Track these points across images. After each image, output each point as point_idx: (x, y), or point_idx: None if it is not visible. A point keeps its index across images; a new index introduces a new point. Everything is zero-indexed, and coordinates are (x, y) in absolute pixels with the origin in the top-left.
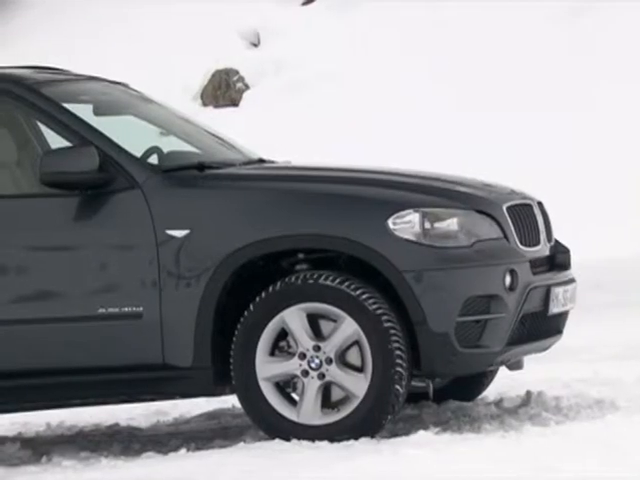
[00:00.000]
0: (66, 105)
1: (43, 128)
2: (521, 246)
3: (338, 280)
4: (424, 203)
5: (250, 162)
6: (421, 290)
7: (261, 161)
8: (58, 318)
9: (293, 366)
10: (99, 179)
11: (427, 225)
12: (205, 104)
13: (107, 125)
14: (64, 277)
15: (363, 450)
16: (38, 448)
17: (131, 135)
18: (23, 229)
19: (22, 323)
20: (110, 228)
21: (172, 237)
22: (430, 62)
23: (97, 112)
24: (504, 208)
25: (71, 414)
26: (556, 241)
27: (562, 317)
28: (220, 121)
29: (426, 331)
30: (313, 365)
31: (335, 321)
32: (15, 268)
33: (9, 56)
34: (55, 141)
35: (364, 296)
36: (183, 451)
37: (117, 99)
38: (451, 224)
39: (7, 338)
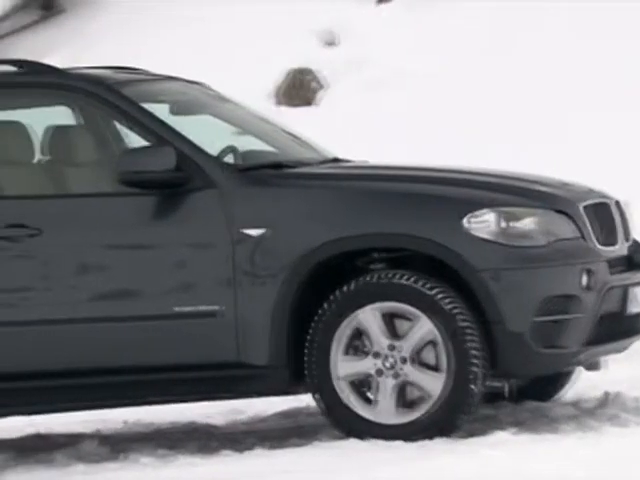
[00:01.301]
0: (144, 105)
1: (121, 128)
2: (598, 245)
3: (413, 279)
4: (501, 202)
5: (326, 161)
6: (497, 289)
7: (337, 160)
8: (135, 316)
9: (368, 365)
10: (176, 178)
11: (504, 224)
12: (280, 103)
13: (184, 125)
14: (141, 276)
15: (439, 450)
16: (116, 445)
17: (208, 134)
18: (101, 228)
19: (99, 321)
20: (186, 227)
21: (248, 236)
22: (510, 62)
23: (174, 112)
24: (581, 207)
25: (148, 412)
26: (634, 241)
27: None
28: (295, 120)
29: (502, 331)
30: (388, 364)
31: (410, 320)
32: (93, 267)
33: (90, 57)
34: (133, 141)
35: (439, 295)
36: (259, 449)
37: (194, 99)
38: (528, 223)
39: (85, 336)
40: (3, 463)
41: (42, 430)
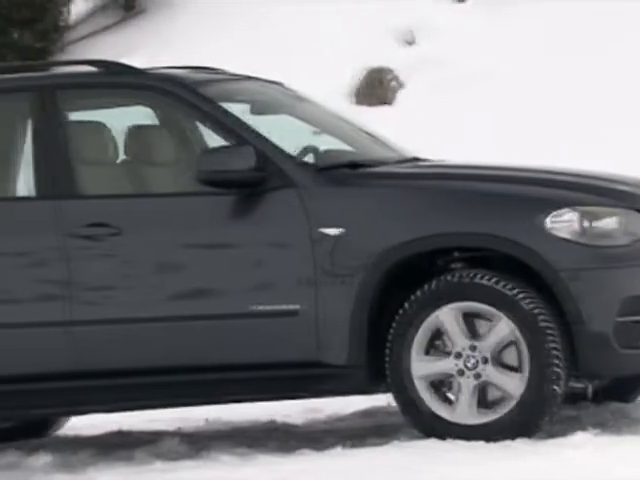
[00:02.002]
0: (224, 105)
1: (201, 127)
2: None
3: (494, 279)
4: (582, 202)
5: (404, 160)
6: (579, 290)
7: (415, 159)
8: (214, 315)
9: (449, 365)
10: (255, 178)
11: (585, 224)
12: (358, 103)
13: (263, 124)
14: (220, 275)
15: (520, 451)
16: (196, 443)
17: (287, 134)
18: (181, 227)
19: (179, 320)
20: (265, 226)
21: (327, 235)
22: (586, 62)
23: (253, 111)
24: None
25: (228, 410)
26: None
27: None
28: (373, 120)
29: (584, 331)
30: (469, 365)
31: (491, 321)
32: (173, 266)
33: (169, 57)
34: (213, 140)
35: (520, 295)
36: (338, 448)
37: (273, 98)
38: (610, 223)
39: (164, 335)
40: (85, 459)
41: (123, 427)
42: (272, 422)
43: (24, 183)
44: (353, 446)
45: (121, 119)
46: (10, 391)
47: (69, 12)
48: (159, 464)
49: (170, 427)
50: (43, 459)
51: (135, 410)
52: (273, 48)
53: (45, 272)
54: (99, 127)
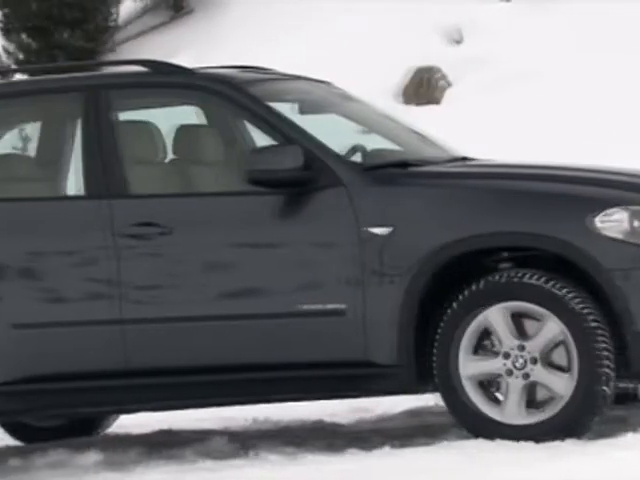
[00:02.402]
0: (271, 104)
1: (249, 127)
2: None
3: (543, 279)
4: (633, 201)
5: (453, 160)
6: (629, 289)
7: (464, 159)
8: (262, 314)
9: (497, 365)
10: (303, 177)
11: (636, 223)
12: (406, 102)
13: (311, 123)
14: (268, 274)
15: (568, 451)
16: (244, 442)
17: (334, 133)
18: (229, 226)
19: (227, 319)
20: (313, 225)
21: (375, 235)
22: (637, 60)
23: (301, 110)
24: None
25: (276, 410)
26: None
27: None
28: (421, 119)
29: (633, 331)
30: (517, 365)
31: (539, 320)
32: (220, 265)
33: (217, 56)
34: (261, 140)
35: (569, 295)
36: (386, 448)
37: (321, 98)
38: None
39: (213, 334)
40: (134, 458)
41: (172, 426)
42: (319, 421)
43: (74, 182)
44: (401, 446)
45: (170, 119)
46: (60, 389)
47: (118, 13)
48: (207, 463)
49: (217, 426)
50: (92, 457)
51: (183, 409)
52: (320, 47)
53: (95, 271)
54: (148, 127)
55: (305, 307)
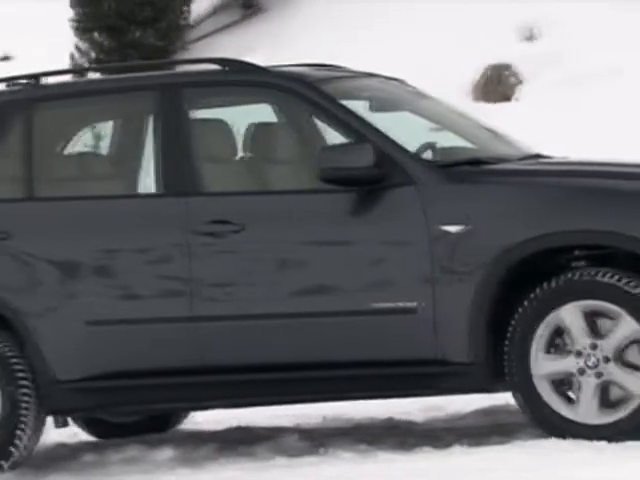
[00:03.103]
0: (343, 102)
1: (321, 124)
2: None
3: (616, 277)
4: None
5: (526, 157)
6: None
7: (538, 156)
8: (334, 312)
9: (569, 364)
10: (375, 175)
11: None
12: (477, 99)
13: (383, 121)
14: (339, 272)
15: None
16: (316, 440)
17: (406, 131)
18: (301, 224)
19: (299, 317)
20: (385, 224)
21: (447, 233)
22: None
23: (373, 108)
24: None
25: (348, 407)
26: None
27: None
28: (493, 116)
29: None
30: (590, 364)
31: (613, 319)
32: (292, 262)
33: (289, 54)
34: (333, 137)
35: None
36: (458, 447)
37: (393, 95)
38: None
39: (285, 332)
40: (207, 454)
41: (244, 423)
42: (391, 419)
43: (148, 180)
44: (473, 445)
45: (242, 117)
46: (134, 386)
47: (190, 11)
48: (280, 460)
49: (289, 423)
50: (166, 453)
51: (256, 406)
52: (392, 46)
53: (169, 268)
54: (222, 125)
55: (377, 305)
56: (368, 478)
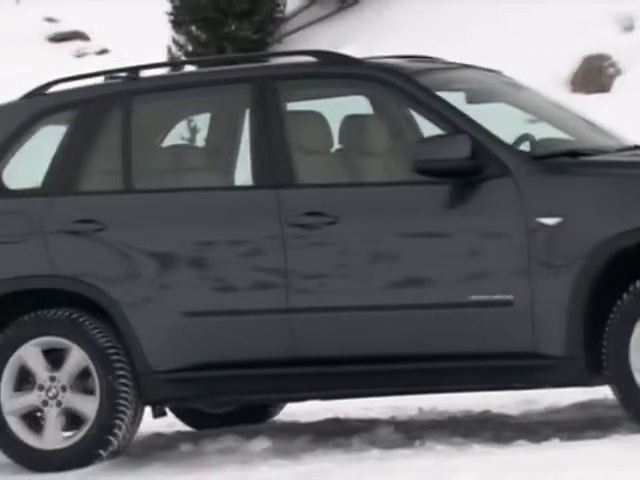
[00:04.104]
0: (439, 93)
1: (416, 116)
2: None
3: None
4: None
5: (625, 149)
6: None
7: (637, 147)
8: (429, 304)
9: None
10: (471, 167)
11: None
12: (575, 90)
13: (479, 113)
14: (435, 264)
15: None
16: (411, 432)
17: (503, 122)
18: (395, 216)
19: (394, 309)
20: (480, 215)
21: (543, 225)
22: None
23: (470, 100)
24: None
25: (443, 400)
26: None
27: None
28: (591, 107)
29: None
30: None
31: None
32: (388, 255)
33: (385, 46)
34: (428, 129)
35: None
36: (555, 441)
37: (489, 87)
38: None
39: (379, 323)
40: (302, 446)
41: (340, 415)
42: (486, 412)
43: (243, 172)
44: (570, 439)
45: (337, 109)
46: (229, 376)
47: (285, 4)
48: (375, 452)
49: (384, 415)
50: (261, 444)
51: (350, 398)
52: (489, 37)
53: (263, 260)
54: (316, 117)
55: (472, 298)
56: (463, 471)
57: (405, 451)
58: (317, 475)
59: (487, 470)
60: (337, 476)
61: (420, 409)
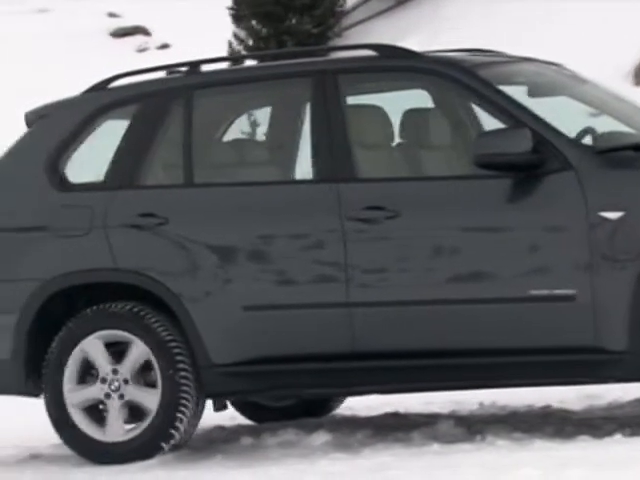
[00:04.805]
0: (500, 87)
1: (477, 110)
2: None
3: None
4: None
5: None
6: None
7: None
8: (490, 299)
9: None
10: (532, 160)
11: None
12: (638, 83)
13: (541, 106)
14: (496, 258)
15: None
16: (472, 427)
17: (565, 116)
18: (456, 211)
19: (455, 303)
20: (542, 209)
21: (606, 219)
22: None
23: (531, 93)
24: None
25: (503, 394)
26: None
27: None
28: None
29: None
30: None
31: None
32: (448, 249)
33: (446, 40)
34: (489, 123)
35: None
36: (618, 436)
37: (551, 80)
38: None
39: (440, 318)
40: (362, 440)
41: (400, 409)
42: (548, 407)
43: (304, 166)
44: (633, 434)
45: (397, 103)
46: (289, 370)
47: None
48: (436, 446)
49: (445, 410)
50: (321, 438)
51: (411, 392)
52: (550, 28)
53: (323, 254)
54: (377, 111)
55: (534, 292)
56: (524, 467)
57: (466, 446)
58: (377, 469)
59: (549, 466)
60: (397, 470)
61: (481, 404)
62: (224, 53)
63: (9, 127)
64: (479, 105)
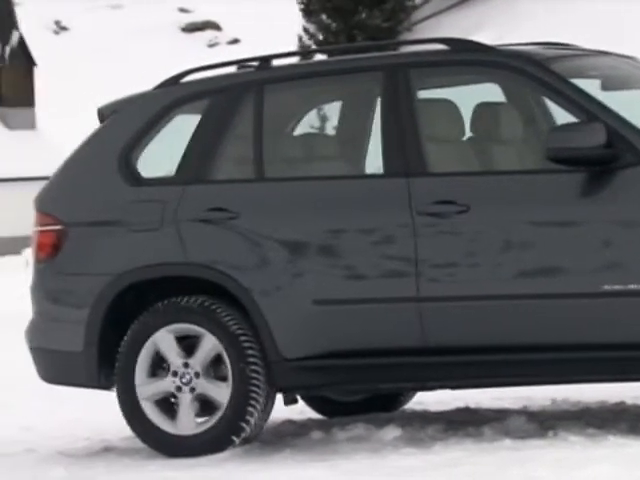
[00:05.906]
0: (574, 80)
1: (549, 104)
2: None
3: None
4: None
5: None
6: None
7: None
8: (561, 294)
9: None
10: (606, 155)
11: None
12: None
13: (615, 100)
14: (568, 253)
15: None
16: (543, 422)
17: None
18: (528, 205)
19: (526, 298)
20: (615, 204)
21: None
22: None
23: (605, 87)
24: None
25: (575, 390)
26: None
27: None
28: None
29: None
30: None
31: None
32: (519, 243)
33: (518, 34)
34: (561, 117)
35: None
36: None
37: (626, 73)
38: None
39: (511, 313)
40: (433, 435)
41: (471, 404)
42: (622, 403)
43: (374, 161)
44: None
45: (469, 96)
46: (359, 365)
47: None
48: (508, 442)
49: (516, 405)
50: (392, 433)
51: (482, 387)
52: (619, 24)
53: (393, 249)
54: (448, 105)
55: (607, 287)
56: (598, 463)
57: (538, 442)
58: (448, 465)
59: (623, 462)
60: (469, 466)
61: (553, 399)
62: (294, 47)
63: (84, 121)
64: (551, 99)
